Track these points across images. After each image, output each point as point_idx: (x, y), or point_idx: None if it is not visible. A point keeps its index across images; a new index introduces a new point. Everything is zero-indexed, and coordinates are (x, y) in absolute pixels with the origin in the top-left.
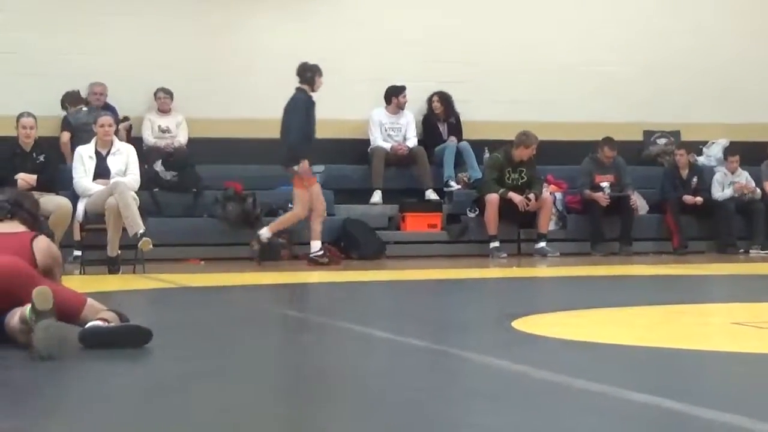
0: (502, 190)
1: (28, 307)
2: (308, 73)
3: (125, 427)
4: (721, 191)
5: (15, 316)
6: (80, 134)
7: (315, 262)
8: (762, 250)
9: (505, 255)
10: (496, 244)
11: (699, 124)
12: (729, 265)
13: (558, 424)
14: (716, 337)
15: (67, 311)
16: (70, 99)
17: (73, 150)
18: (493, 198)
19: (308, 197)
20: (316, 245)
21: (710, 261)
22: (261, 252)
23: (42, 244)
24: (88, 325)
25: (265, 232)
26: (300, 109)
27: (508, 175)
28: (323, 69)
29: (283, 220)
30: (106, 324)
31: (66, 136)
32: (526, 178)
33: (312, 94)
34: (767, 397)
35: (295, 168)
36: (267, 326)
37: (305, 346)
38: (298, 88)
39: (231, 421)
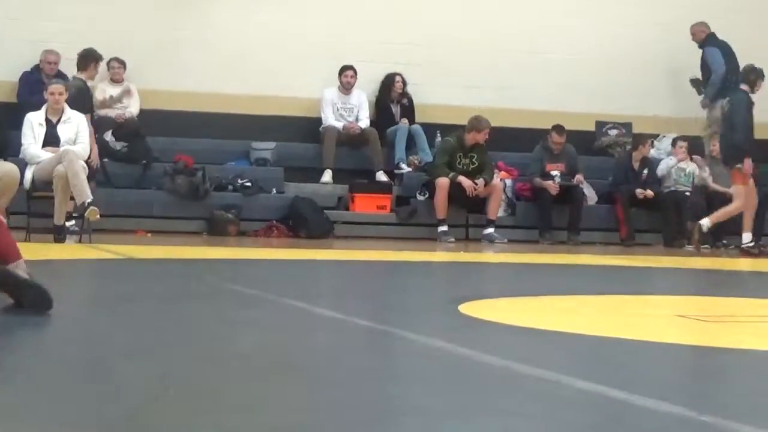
0: (452, 174)
1: None
2: (751, 76)
3: (61, 397)
4: (665, 169)
5: None
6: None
7: (747, 254)
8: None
9: (452, 239)
10: (444, 228)
11: (651, 117)
12: (675, 258)
13: (500, 408)
14: (660, 329)
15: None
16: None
17: None
18: (442, 182)
19: (747, 191)
20: (747, 237)
21: (657, 254)
22: (702, 241)
23: None
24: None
25: (706, 222)
26: (745, 110)
27: (459, 160)
28: (278, 46)
29: (724, 212)
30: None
31: None
32: (477, 164)
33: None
34: (707, 388)
35: (738, 166)
36: (211, 301)
37: (249, 321)
38: (740, 89)
39: (168, 394)
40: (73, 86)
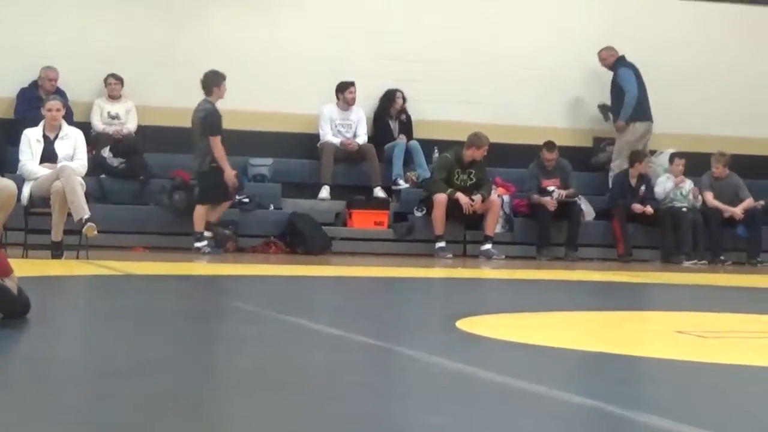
0: (449, 191)
1: None
2: None
3: (58, 413)
4: (662, 193)
5: None
6: None
7: None
8: (699, 260)
9: (450, 255)
10: (442, 244)
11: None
12: (673, 274)
13: (498, 424)
14: (659, 345)
15: None
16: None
17: None
18: (440, 198)
19: None
20: None
21: (655, 269)
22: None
23: None
24: None
25: None
26: None
27: (456, 176)
28: (276, 62)
29: None
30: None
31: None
32: (474, 180)
33: None
34: (706, 405)
35: None
36: (209, 317)
37: (247, 337)
38: None
39: (166, 413)
40: (202, 109)
